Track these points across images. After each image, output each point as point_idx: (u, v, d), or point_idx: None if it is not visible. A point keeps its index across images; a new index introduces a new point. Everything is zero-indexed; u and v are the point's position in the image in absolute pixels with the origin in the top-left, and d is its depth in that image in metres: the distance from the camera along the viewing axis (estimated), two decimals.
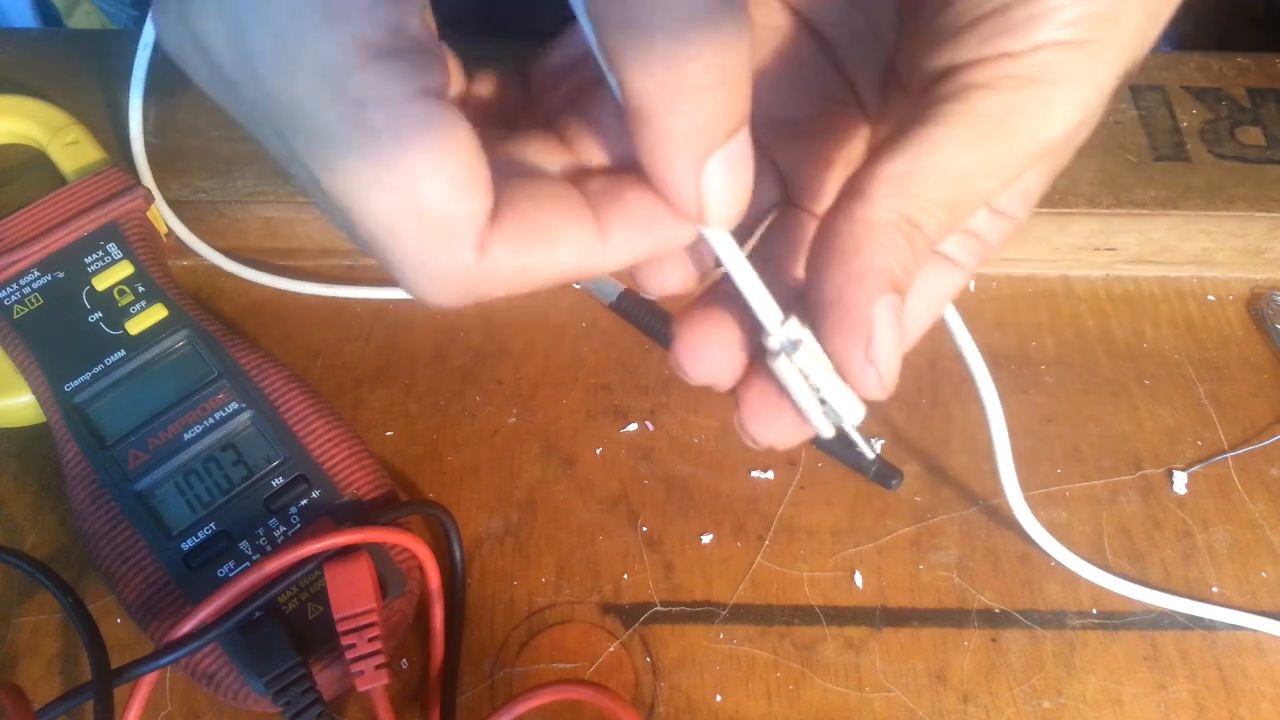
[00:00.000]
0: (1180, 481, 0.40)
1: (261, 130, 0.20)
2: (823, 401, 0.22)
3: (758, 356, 0.23)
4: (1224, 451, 0.41)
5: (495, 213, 0.20)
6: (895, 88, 0.25)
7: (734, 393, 0.24)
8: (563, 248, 0.20)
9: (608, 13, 0.18)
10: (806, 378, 0.21)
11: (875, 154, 0.21)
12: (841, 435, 0.23)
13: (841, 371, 0.21)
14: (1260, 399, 0.42)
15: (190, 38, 0.19)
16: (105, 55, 0.46)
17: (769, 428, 0.23)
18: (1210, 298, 0.45)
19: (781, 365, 0.21)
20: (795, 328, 0.21)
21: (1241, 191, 0.44)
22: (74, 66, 0.46)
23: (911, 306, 0.24)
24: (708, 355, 0.23)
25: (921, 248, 0.21)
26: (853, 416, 0.22)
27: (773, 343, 0.21)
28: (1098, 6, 0.20)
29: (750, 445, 0.24)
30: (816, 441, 0.40)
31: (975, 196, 0.21)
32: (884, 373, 0.21)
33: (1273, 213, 0.43)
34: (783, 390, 0.22)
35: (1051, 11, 0.19)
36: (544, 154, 0.22)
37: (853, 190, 0.21)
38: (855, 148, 0.26)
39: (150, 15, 0.19)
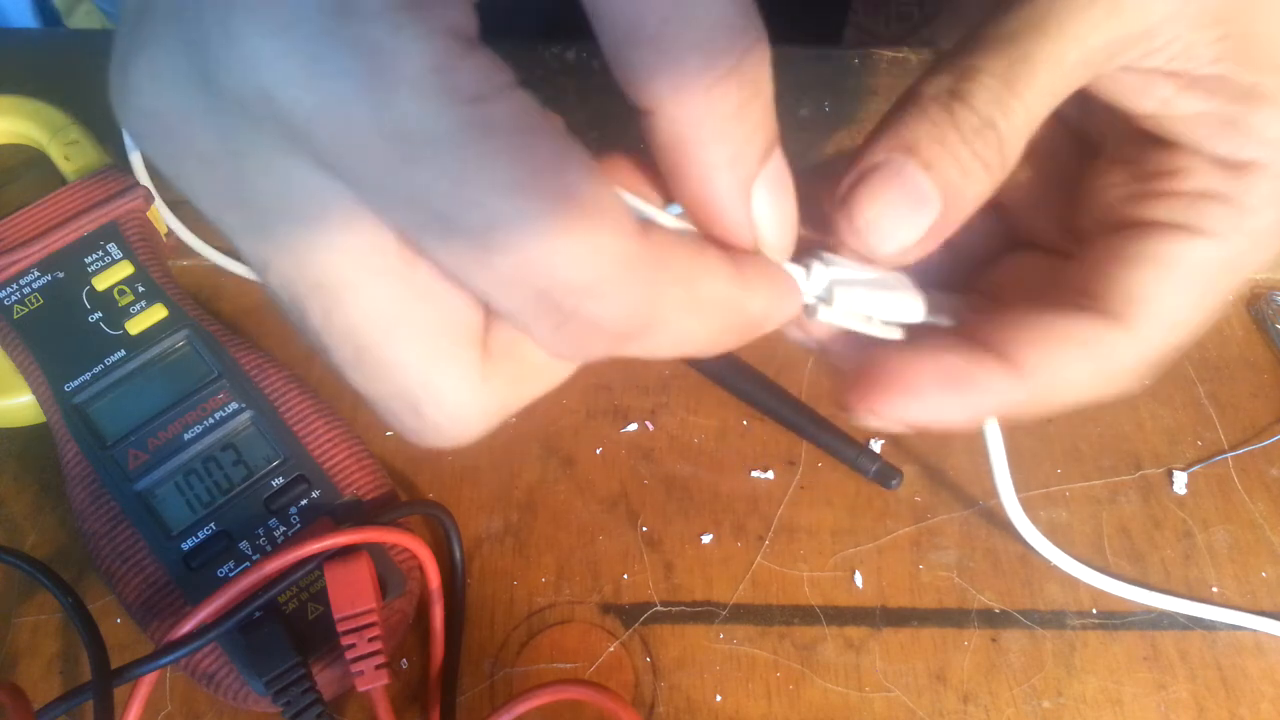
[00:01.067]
0: (1180, 481, 0.40)
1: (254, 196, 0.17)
2: (877, 322, 0.21)
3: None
4: (1224, 451, 0.41)
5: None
6: None
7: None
8: (716, 265, 0.18)
9: (631, 35, 0.16)
10: (855, 306, 0.21)
11: None
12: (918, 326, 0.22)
13: (846, 233, 0.20)
14: (1260, 399, 0.42)
15: (206, 90, 0.16)
16: (105, 55, 0.46)
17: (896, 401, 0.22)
18: None
19: (825, 313, 0.21)
20: (822, 272, 0.20)
21: None
22: (74, 66, 0.46)
23: (1120, 275, 0.22)
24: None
25: (971, 125, 0.20)
26: (910, 315, 0.21)
27: (807, 299, 0.21)
28: None
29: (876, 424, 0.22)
30: (817, 440, 0.40)
31: (1028, 59, 0.20)
32: (860, 225, 0.20)
33: None
34: (843, 328, 0.21)
35: None
36: None
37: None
38: None
39: (119, 72, 0.17)
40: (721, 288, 0.18)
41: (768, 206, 0.19)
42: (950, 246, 0.22)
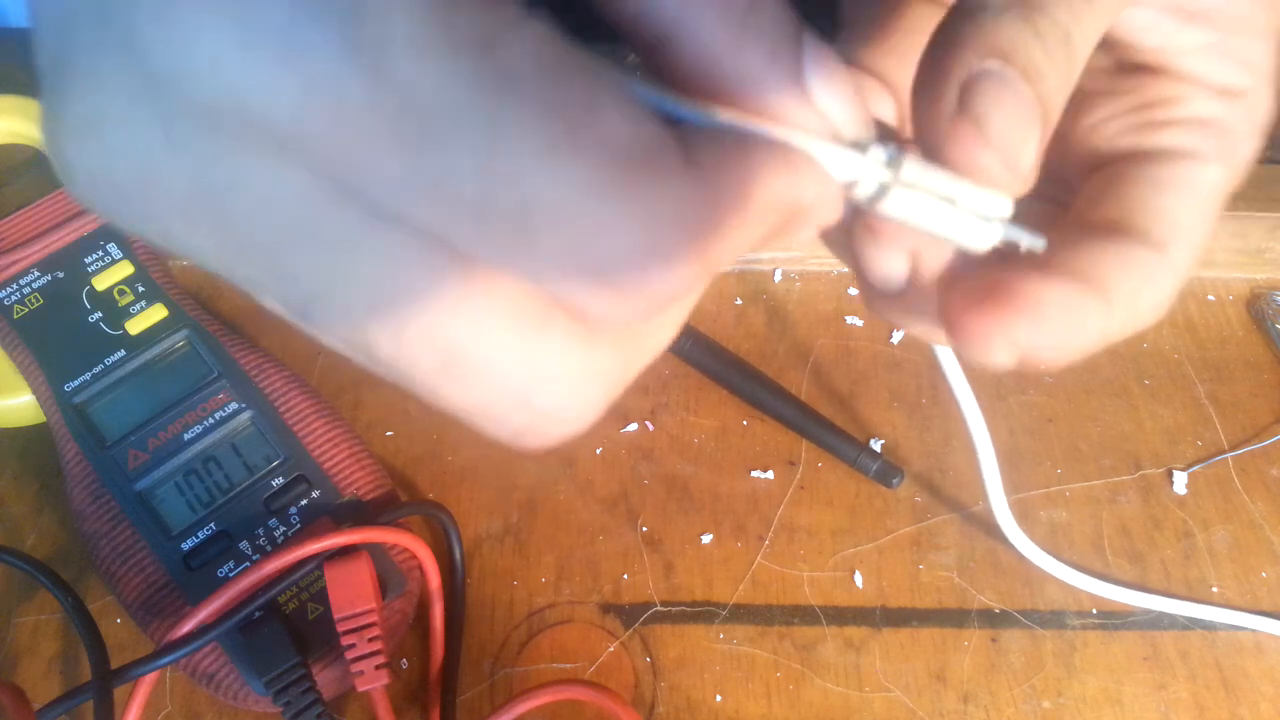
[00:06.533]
0: (1180, 481, 0.40)
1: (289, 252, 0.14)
2: (958, 211, 0.18)
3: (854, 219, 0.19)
4: (1224, 451, 0.41)
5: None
6: None
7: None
8: (761, 157, 0.16)
9: None
10: (923, 192, 0.18)
11: None
12: (997, 244, 0.19)
13: (944, 152, 0.18)
14: (1260, 399, 0.42)
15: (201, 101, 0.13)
16: None
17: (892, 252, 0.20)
18: (1210, 298, 0.45)
19: (891, 200, 0.18)
20: (881, 150, 0.18)
21: (1241, 191, 0.43)
22: None
23: (1155, 201, 0.22)
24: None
25: (1052, 34, 0.18)
26: (996, 208, 0.18)
27: (864, 188, 0.18)
28: None
29: (883, 294, 0.20)
30: (817, 440, 0.40)
31: None
32: (990, 132, 0.18)
33: (1273, 213, 0.43)
34: (903, 229, 0.18)
35: None
36: None
37: None
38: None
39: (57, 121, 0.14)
40: (778, 186, 0.16)
41: (825, 86, 0.17)
42: None
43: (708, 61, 0.16)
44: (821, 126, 0.17)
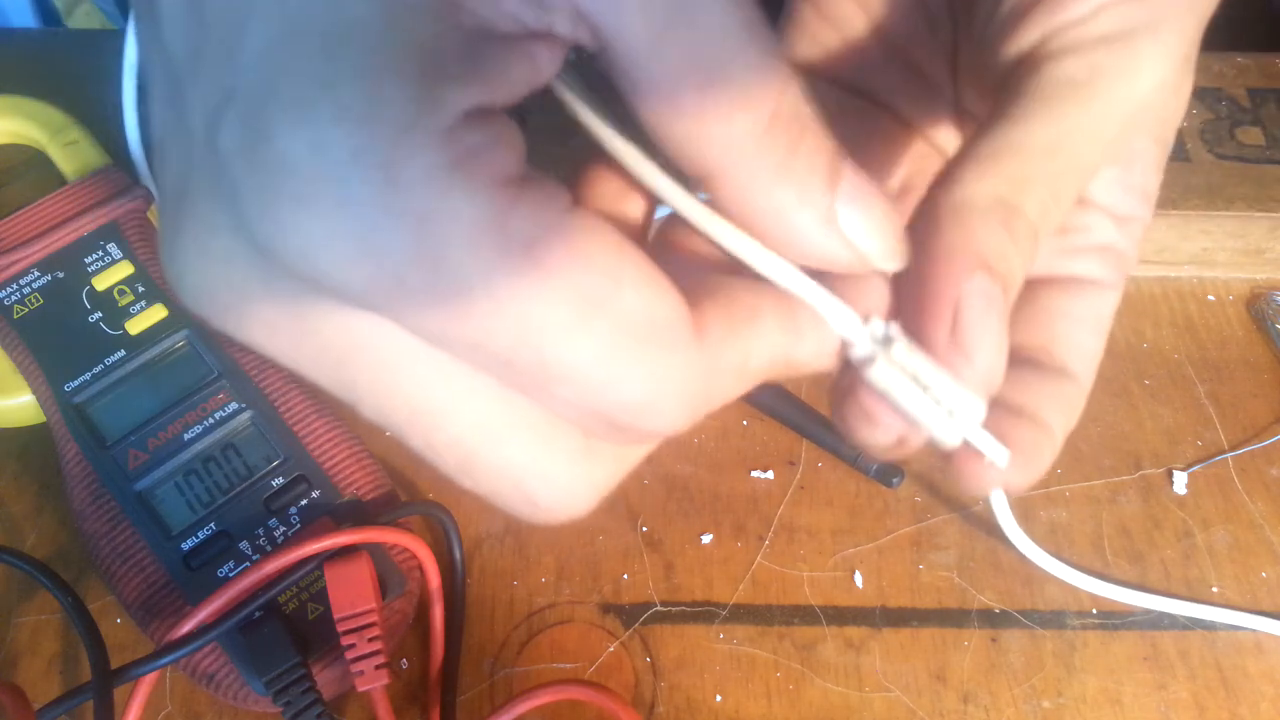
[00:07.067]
0: (1180, 481, 0.40)
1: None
2: (936, 402, 0.19)
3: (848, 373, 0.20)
4: (1224, 451, 0.41)
5: (690, 300, 0.17)
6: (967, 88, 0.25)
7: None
8: (767, 323, 0.18)
9: (671, 110, 0.16)
10: (908, 375, 0.19)
11: (964, 145, 0.20)
12: (966, 442, 0.20)
13: (932, 358, 0.19)
14: (1260, 399, 0.42)
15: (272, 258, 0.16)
16: (105, 55, 0.46)
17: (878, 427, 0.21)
18: (1210, 298, 0.45)
19: (878, 369, 0.19)
20: (881, 326, 0.19)
21: (1241, 191, 0.44)
22: (74, 66, 0.46)
23: (1072, 336, 0.24)
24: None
25: (1024, 233, 0.19)
26: (969, 411, 0.19)
27: (858, 350, 0.19)
28: None
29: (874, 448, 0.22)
30: (817, 440, 0.40)
31: (1075, 169, 0.20)
32: (977, 360, 0.19)
33: (1273, 213, 0.43)
34: (886, 401, 0.20)
35: None
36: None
37: (941, 179, 0.20)
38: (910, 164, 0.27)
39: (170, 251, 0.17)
40: (779, 348, 0.18)
41: (858, 222, 0.18)
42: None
43: (742, 202, 0.18)
44: (849, 254, 0.18)
